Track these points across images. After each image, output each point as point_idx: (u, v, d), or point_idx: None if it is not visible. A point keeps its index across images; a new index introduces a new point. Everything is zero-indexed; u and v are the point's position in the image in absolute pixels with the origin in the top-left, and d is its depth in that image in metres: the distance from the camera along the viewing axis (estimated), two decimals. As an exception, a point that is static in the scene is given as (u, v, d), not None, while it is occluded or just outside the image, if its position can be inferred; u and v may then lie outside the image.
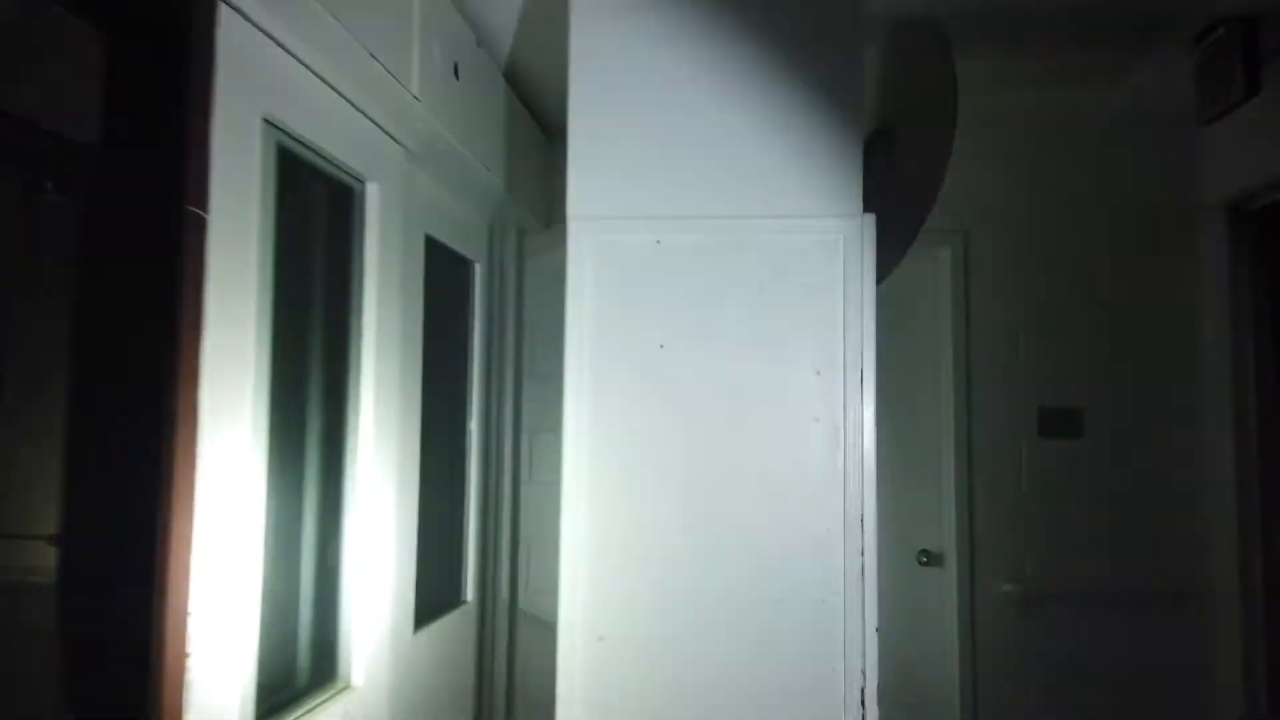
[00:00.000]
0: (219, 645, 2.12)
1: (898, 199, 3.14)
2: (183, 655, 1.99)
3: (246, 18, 2.24)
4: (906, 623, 4.54)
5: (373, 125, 3.00)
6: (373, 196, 3.02)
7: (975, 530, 4.53)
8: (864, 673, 2.65)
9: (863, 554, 2.68)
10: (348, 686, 2.87)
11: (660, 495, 2.75)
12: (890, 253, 3.04)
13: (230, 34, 2.18)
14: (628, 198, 2.81)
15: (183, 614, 2.00)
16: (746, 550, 2.72)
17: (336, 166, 2.83)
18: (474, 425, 4.36)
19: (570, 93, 2.87)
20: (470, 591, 4.30)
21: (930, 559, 4.65)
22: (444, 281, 3.92)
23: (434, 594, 3.78)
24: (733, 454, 2.73)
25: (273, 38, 2.37)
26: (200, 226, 2.13)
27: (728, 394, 2.74)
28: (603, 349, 2.77)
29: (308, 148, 2.64)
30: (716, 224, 2.78)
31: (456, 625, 4.04)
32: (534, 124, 4.77)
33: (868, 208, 2.79)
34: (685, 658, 2.69)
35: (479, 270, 4.45)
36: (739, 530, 2.72)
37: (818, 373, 2.74)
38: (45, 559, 2.09)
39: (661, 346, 2.74)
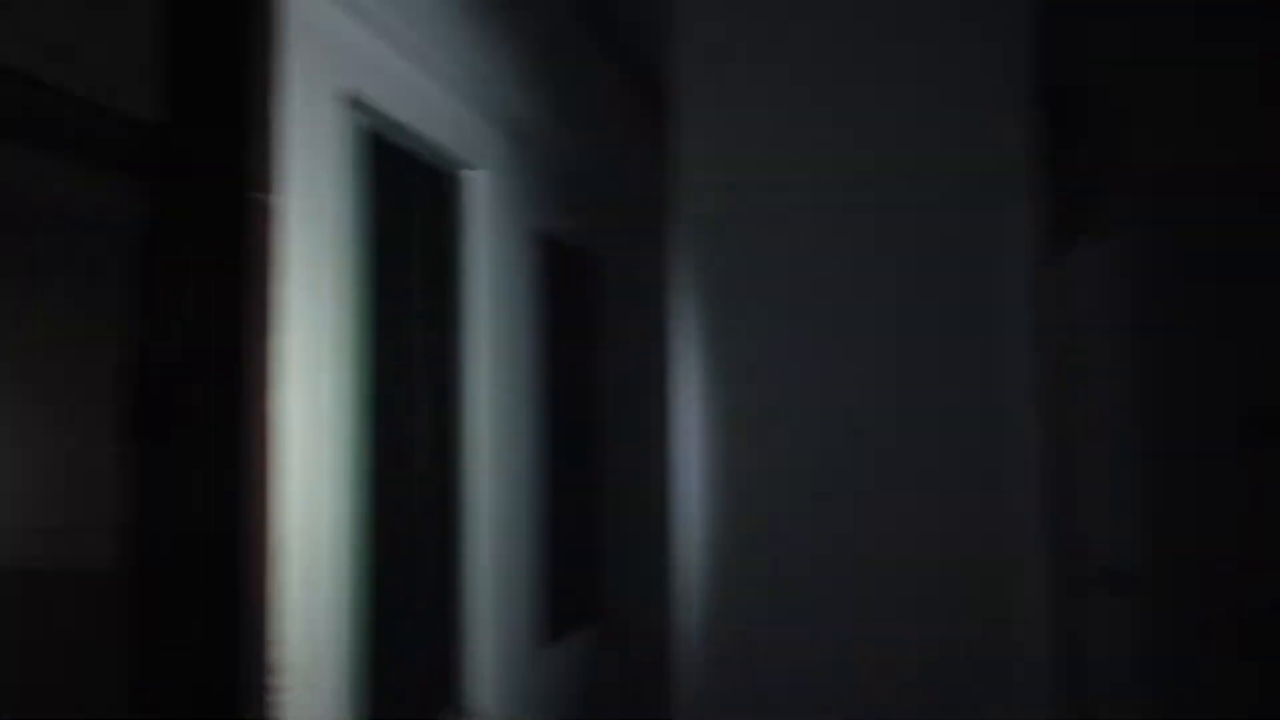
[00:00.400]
0: (312, 672, 1.94)
1: (1089, 169, 2.64)
2: (268, 688, 1.81)
3: (323, -15, 2.03)
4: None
5: (472, 106, 2.75)
6: (474, 185, 2.78)
7: (1176, 547, 3.85)
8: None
9: (1045, 571, 2.25)
10: (469, 712, 2.63)
11: (803, 503, 2.37)
12: (1084, 228, 2.57)
13: (305, 3, 1.96)
14: (763, 162, 2.42)
15: (265, 643, 1.82)
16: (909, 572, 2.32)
17: (432, 151, 2.59)
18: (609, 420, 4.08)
19: (684, 55, 2.51)
20: (614, 601, 4.01)
21: (1111, 577, 3.96)
22: (561, 278, 3.64)
23: (568, 603, 3.51)
24: (897, 452, 2.33)
25: (356, 7, 2.15)
26: (268, 214, 1.92)
27: (886, 383, 2.35)
28: (734, 343, 2.40)
29: (398, 130, 2.42)
30: (870, 191, 2.38)
31: (595, 640, 3.77)
32: (644, 97, 4.39)
33: (1050, 176, 2.35)
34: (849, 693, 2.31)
35: (606, 265, 4.16)
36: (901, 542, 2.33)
37: (986, 359, 2.29)
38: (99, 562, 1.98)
39: (809, 332, 2.35)
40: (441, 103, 2.59)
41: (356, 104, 2.20)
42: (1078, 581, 3.28)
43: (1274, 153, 3.08)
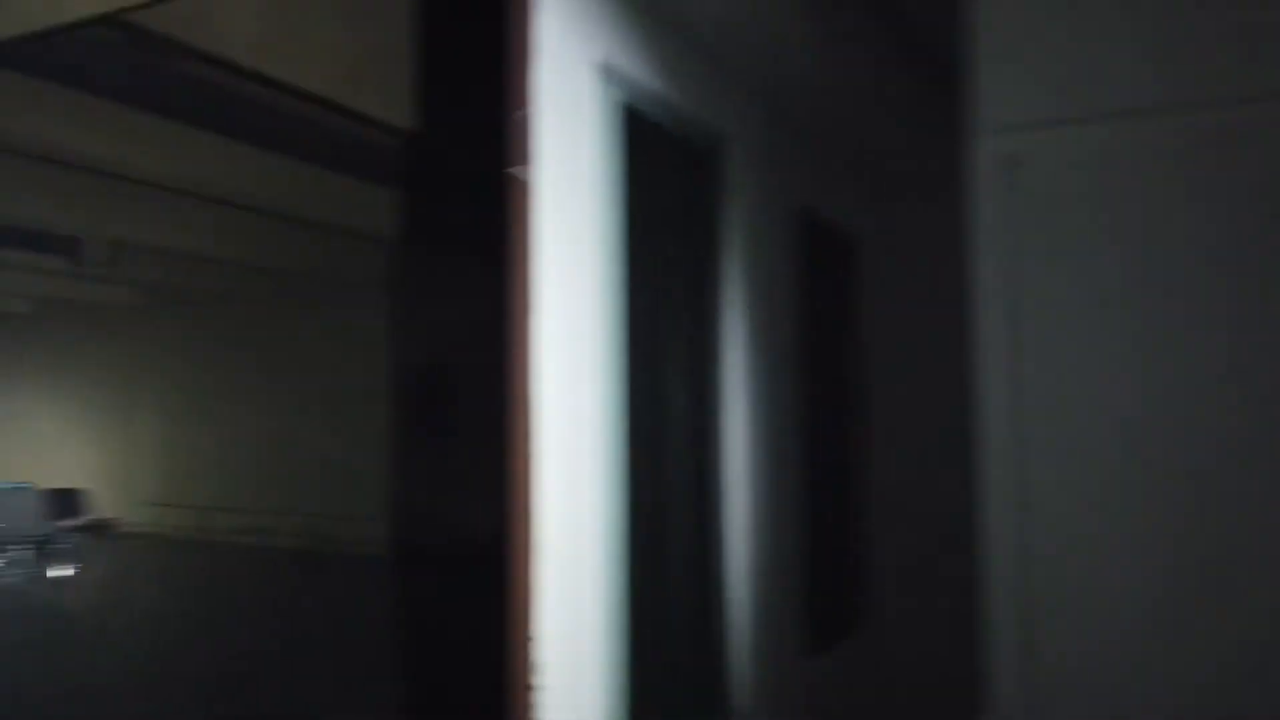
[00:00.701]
0: (570, 673, 1.83)
1: None
2: (529, 684, 1.69)
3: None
4: None
5: (730, 73, 2.50)
6: (733, 159, 2.55)
7: None
8: None
9: None
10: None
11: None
12: None
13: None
14: (1064, 94, 1.93)
15: (526, 637, 1.71)
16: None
17: (688, 123, 2.35)
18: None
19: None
20: (882, 608, 3.69)
21: None
22: (820, 258, 3.35)
23: (833, 609, 3.24)
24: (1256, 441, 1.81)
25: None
26: (525, 190, 1.75)
27: (1241, 353, 1.82)
28: (1044, 313, 1.91)
29: (653, 101, 2.19)
30: (1206, 119, 1.84)
31: (862, 649, 3.45)
32: (914, 59, 3.84)
33: None
34: None
35: (867, 245, 3.81)
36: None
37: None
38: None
39: (1120, 296, 1.87)
40: (698, 71, 2.36)
41: (610, 74, 2.00)
42: None
43: None
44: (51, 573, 8.59)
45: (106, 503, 11.11)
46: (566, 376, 1.89)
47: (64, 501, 9.43)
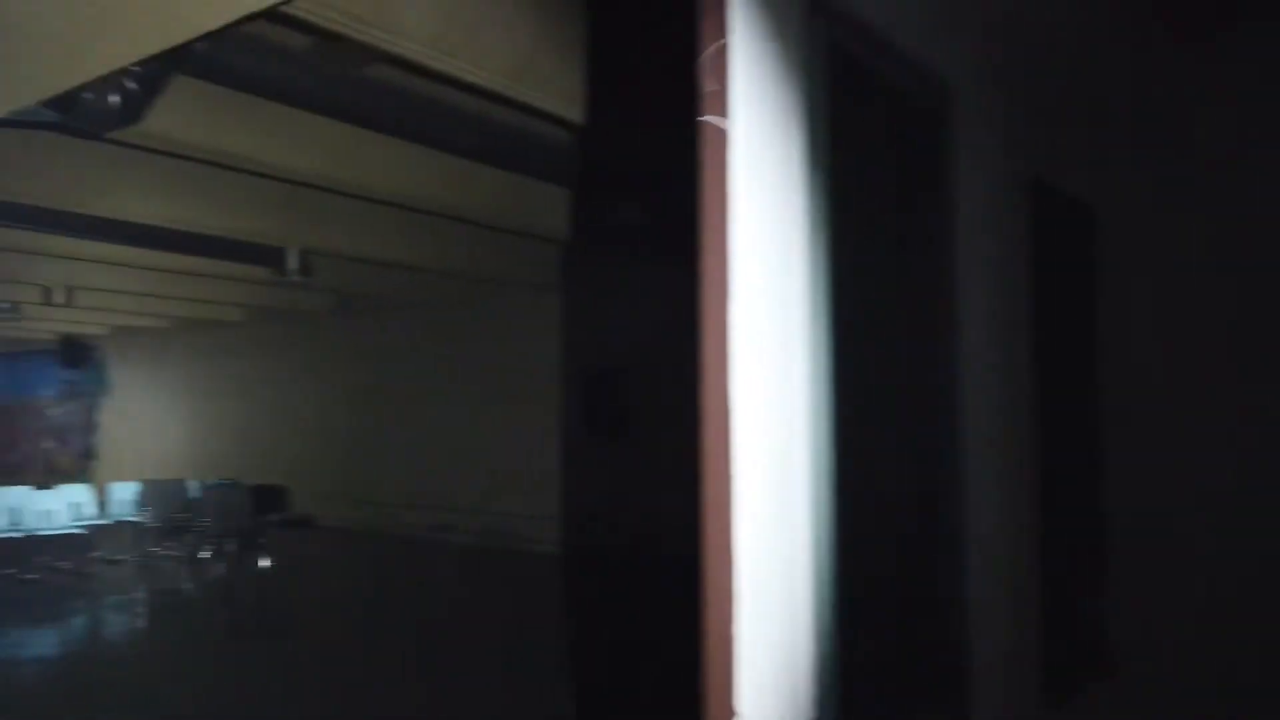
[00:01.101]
0: (772, 700, 1.60)
1: None
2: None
3: None
4: None
5: (964, 14, 2.16)
6: (961, 117, 2.19)
7: None
8: None
9: None
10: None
11: None
12: None
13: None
14: None
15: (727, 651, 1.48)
16: None
17: (909, 71, 2.02)
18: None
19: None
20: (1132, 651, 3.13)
21: None
22: (1061, 233, 2.90)
23: (1076, 652, 2.79)
24: None
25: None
26: (721, 140, 1.49)
27: None
28: None
29: (871, 43, 1.88)
30: None
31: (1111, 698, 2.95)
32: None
33: None
34: None
35: (1107, 218, 3.30)
36: None
37: None
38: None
39: None
40: (925, 6, 2.02)
41: (821, 11, 1.71)
42: None
43: None
44: (256, 564, 9.15)
45: (305, 499, 11.80)
46: (768, 367, 1.66)
47: (267, 497, 10.06)
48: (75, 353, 17.03)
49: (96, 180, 6.52)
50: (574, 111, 6.14)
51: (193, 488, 11.05)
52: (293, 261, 8.82)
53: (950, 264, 2.13)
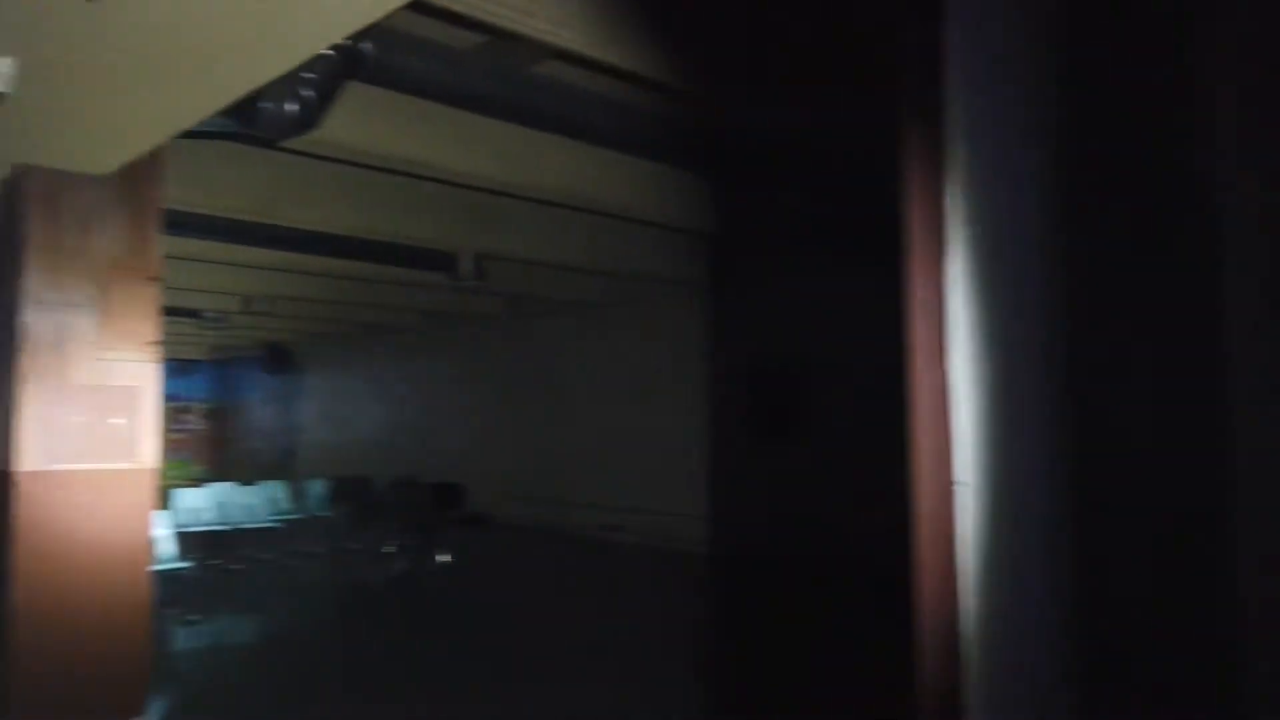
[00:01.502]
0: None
1: None
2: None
3: None
4: None
5: None
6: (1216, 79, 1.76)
7: None
8: None
9: None
10: None
11: None
12: None
13: None
14: None
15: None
16: None
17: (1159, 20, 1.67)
18: None
19: None
20: None
21: None
22: None
23: None
24: None
25: None
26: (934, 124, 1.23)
27: None
28: None
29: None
30: None
31: None
32: None
33: None
34: None
35: None
36: None
37: None
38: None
39: None
40: None
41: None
42: None
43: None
44: (437, 559, 9.46)
45: (481, 497, 12.15)
46: (989, 364, 1.39)
47: (445, 495, 10.42)
48: (277, 358, 18.35)
49: (283, 191, 6.85)
50: (739, 104, 5.92)
51: (378, 485, 11.61)
52: (466, 266, 9.05)
53: (1207, 244, 1.74)
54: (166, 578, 8.24)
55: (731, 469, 9.82)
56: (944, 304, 1.40)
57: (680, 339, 10.62)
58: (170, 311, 12.32)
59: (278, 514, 10.52)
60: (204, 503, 9.82)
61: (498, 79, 4.53)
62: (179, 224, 6.78)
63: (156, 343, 4.37)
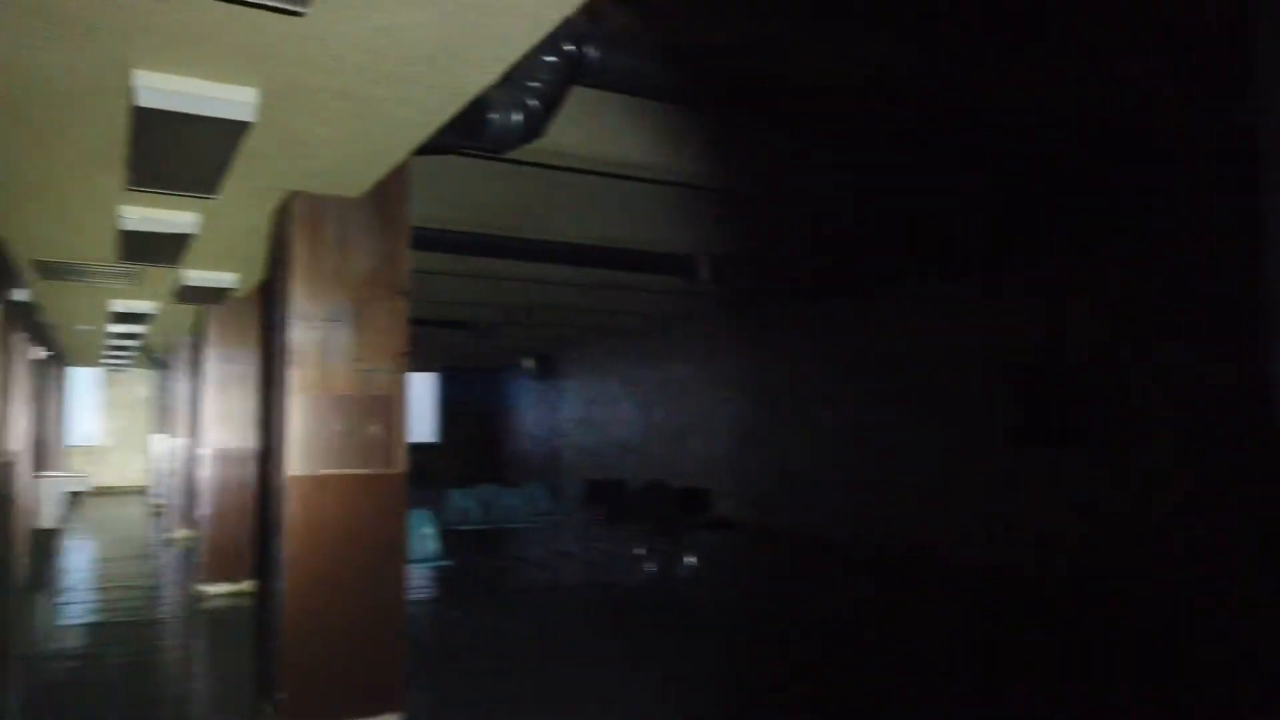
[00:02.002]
0: None
1: None
2: None
3: None
4: None
5: None
6: None
7: None
8: None
9: None
10: None
11: None
12: None
13: None
14: None
15: None
16: None
17: None
18: None
19: None
20: None
21: None
22: None
23: None
24: None
25: None
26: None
27: None
28: None
29: None
30: None
31: None
32: None
33: None
34: None
35: None
36: None
37: None
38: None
39: None
40: None
41: None
42: None
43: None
44: (684, 562, 9.45)
45: (729, 500, 12.04)
46: None
47: (691, 498, 10.41)
48: (540, 365, 19.40)
49: (529, 205, 7.09)
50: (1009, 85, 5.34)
51: (630, 488, 11.84)
52: (704, 269, 8.98)
53: None
54: (431, 573, 8.84)
55: (1002, 477, 8.99)
56: None
57: (941, 335, 9.90)
58: (442, 323, 13.35)
59: (538, 514, 11.01)
60: (471, 503, 10.47)
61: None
62: (439, 241, 7.23)
63: (406, 354, 4.61)
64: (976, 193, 6.71)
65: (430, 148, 3.75)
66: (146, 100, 2.81)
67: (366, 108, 3.16)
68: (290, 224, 4.41)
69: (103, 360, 15.70)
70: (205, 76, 2.85)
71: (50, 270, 6.69)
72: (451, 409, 22.36)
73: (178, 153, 3.29)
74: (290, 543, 4.26)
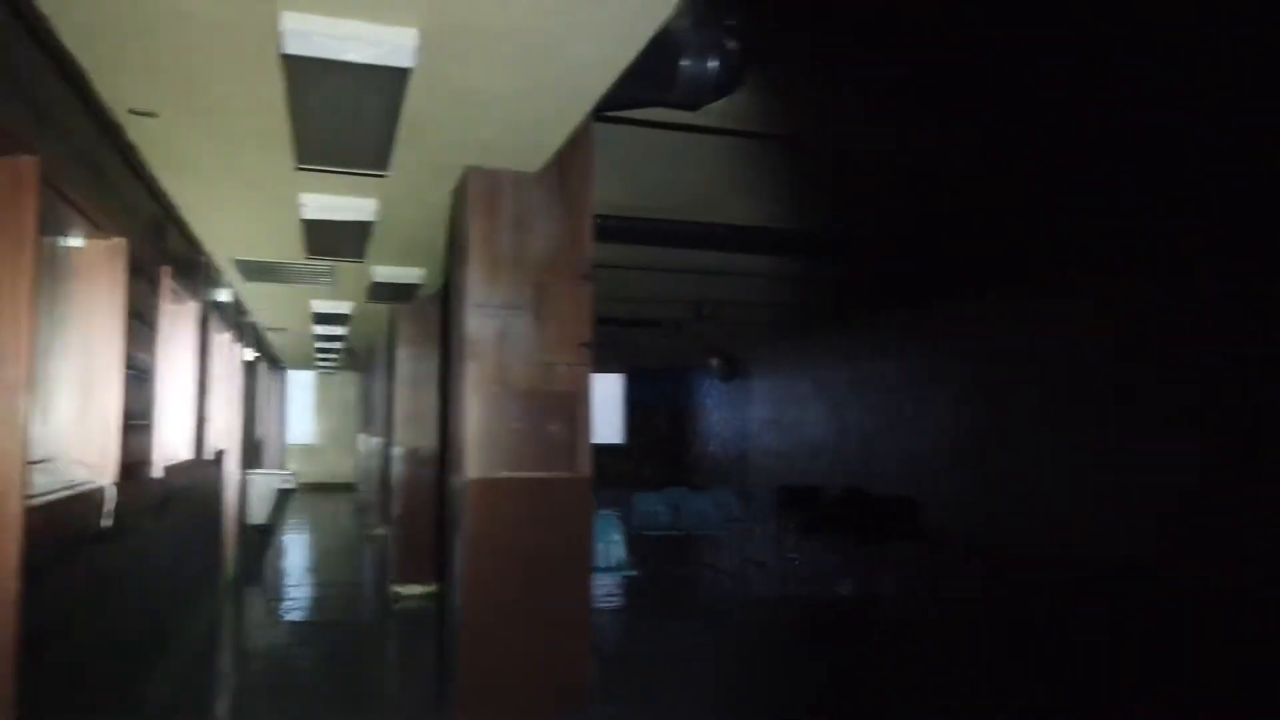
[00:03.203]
0: None
1: None
2: None
3: None
4: None
5: None
6: None
7: None
8: None
9: None
10: None
11: None
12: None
13: None
14: None
15: None
16: None
17: None
18: None
19: None
20: None
21: None
22: None
23: None
24: None
25: None
26: None
27: None
28: None
29: None
30: None
31: None
32: None
33: None
34: None
35: None
36: None
37: None
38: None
39: None
40: None
41: None
42: None
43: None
44: (887, 581, 8.61)
45: (937, 512, 10.99)
46: None
47: (896, 509, 9.52)
48: (727, 364, 18.84)
49: (717, 186, 6.52)
50: None
51: (826, 495, 11.03)
52: (896, 256, 8.12)
53: None
54: (618, 582, 8.43)
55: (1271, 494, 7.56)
56: None
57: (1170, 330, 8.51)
58: (628, 322, 13.06)
59: (727, 520, 10.43)
60: (660, 506, 10.02)
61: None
62: (620, 231, 6.81)
63: (589, 345, 4.15)
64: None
65: (615, 103, 3.25)
66: (294, 46, 2.45)
67: (541, 48, 2.69)
68: (465, 203, 4.05)
69: (315, 362, 16.55)
70: (358, 17, 2.46)
71: (250, 270, 6.79)
72: (638, 410, 22.22)
73: (337, 113, 2.95)
74: (467, 551, 3.89)
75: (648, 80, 3.16)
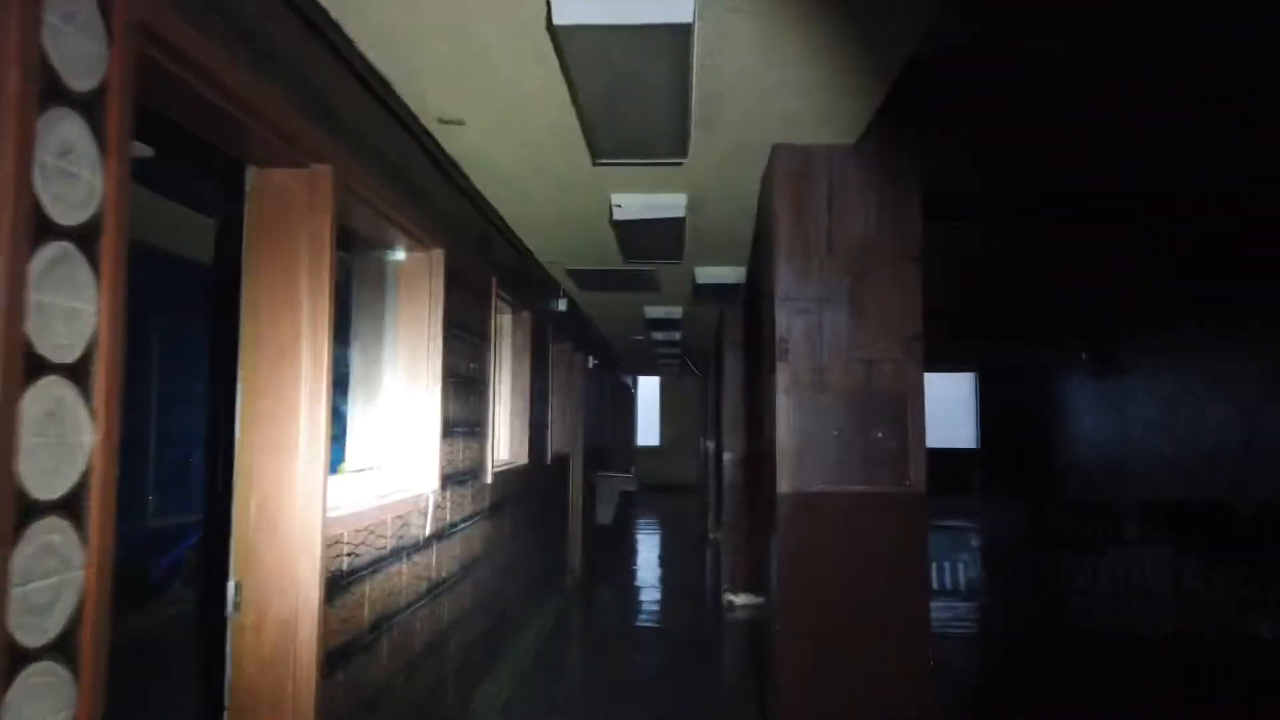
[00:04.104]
0: None
1: None
2: None
3: None
4: None
5: None
6: None
7: None
8: None
9: None
10: None
11: None
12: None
13: None
14: None
15: None
16: None
17: None
18: None
19: None
20: None
21: None
22: None
23: None
24: None
25: None
26: None
27: None
28: None
29: None
30: None
31: None
32: None
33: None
34: None
35: None
36: None
37: None
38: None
39: None
40: None
41: None
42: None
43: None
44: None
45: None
46: None
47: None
48: (1103, 359, 16.61)
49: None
50: None
51: (1240, 514, 9.13)
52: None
53: None
54: (968, 606, 7.53)
55: None
56: None
57: None
58: (977, 313, 11.87)
59: (1102, 538, 9.00)
60: (1020, 516, 8.89)
61: None
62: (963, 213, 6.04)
63: (919, 338, 3.58)
64: None
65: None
66: (563, 14, 2.23)
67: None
68: (771, 185, 3.68)
69: (659, 368, 17.13)
70: (627, -27, 2.19)
71: (583, 280, 6.96)
72: (992, 412, 20.42)
73: (622, 91, 2.71)
74: (783, 572, 3.50)
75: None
